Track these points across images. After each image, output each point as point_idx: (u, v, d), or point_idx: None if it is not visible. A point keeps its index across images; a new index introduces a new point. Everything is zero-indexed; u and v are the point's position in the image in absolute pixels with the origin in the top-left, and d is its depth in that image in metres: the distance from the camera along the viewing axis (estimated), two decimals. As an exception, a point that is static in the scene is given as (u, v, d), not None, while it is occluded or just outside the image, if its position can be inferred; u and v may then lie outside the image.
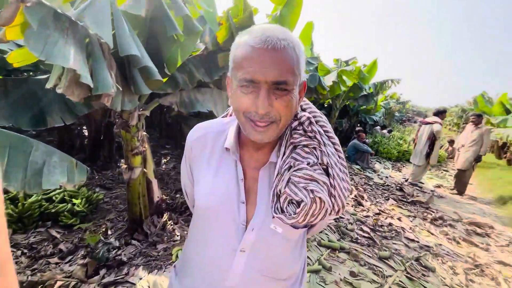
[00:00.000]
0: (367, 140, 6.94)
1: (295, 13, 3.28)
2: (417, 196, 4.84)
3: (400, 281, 2.32)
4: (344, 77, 5.28)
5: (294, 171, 0.60)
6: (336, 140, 0.67)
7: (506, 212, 4.61)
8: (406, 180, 5.77)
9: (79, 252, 2.37)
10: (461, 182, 5.34)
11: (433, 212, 4.16)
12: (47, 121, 1.50)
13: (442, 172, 7.38)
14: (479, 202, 5.15)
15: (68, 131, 4.90)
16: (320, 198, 0.59)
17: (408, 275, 2.41)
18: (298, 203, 0.60)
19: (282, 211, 0.62)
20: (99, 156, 4.72)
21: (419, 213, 4.02)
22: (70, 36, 1.02)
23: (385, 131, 10.98)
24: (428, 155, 5.25)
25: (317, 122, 0.67)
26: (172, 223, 2.90)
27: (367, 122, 10.11)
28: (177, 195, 3.81)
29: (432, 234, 3.40)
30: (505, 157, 10.20)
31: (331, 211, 0.62)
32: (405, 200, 4.53)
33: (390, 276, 2.37)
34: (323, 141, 0.64)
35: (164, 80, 1.86)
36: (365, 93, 6.77)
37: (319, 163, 0.62)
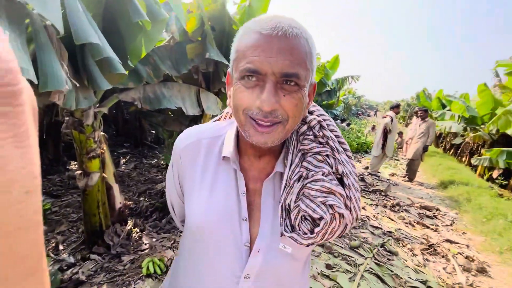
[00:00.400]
0: (330, 134, 7.27)
1: (264, 6, 3.19)
2: (377, 185, 5.25)
3: (370, 268, 2.46)
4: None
5: (309, 183, 0.53)
6: (347, 146, 0.61)
7: (447, 194, 5.28)
8: (366, 169, 6.23)
9: (23, 275, 2.01)
10: (411, 170, 5.95)
11: (391, 199, 4.55)
12: None
13: (394, 162, 8.15)
14: (425, 187, 5.81)
15: None
16: (341, 214, 0.52)
17: (376, 261, 2.58)
18: (313, 220, 0.53)
19: (293, 229, 0.54)
20: (42, 159, 4.07)
21: (380, 201, 4.36)
22: (4, 17, 0.76)
23: (344, 124, 11.72)
24: (383, 146, 5.73)
25: (327, 126, 0.59)
26: (138, 231, 2.64)
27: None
28: (141, 198, 3.50)
29: (392, 220, 3.72)
30: (441, 146, 11.74)
31: (350, 225, 0.55)
32: (367, 189, 4.88)
33: (361, 264, 2.50)
34: (336, 148, 0.56)
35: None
36: (328, 88, 7.06)
37: (333, 172, 0.55)
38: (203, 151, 0.60)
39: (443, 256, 2.91)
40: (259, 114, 0.46)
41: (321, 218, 0.51)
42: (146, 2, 1.63)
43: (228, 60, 0.65)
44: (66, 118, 1.89)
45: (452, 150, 10.61)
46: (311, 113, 0.61)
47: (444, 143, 11.36)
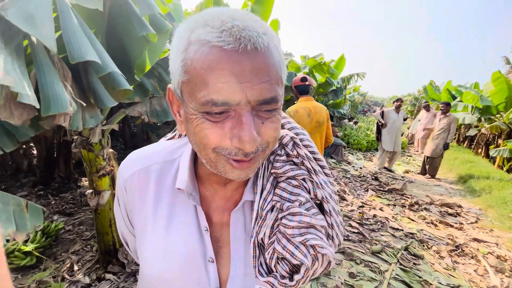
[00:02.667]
0: (338, 134, 7.15)
1: (267, 10, 3.14)
2: (392, 184, 5.08)
3: (396, 274, 2.33)
4: (316, 74, 5.30)
5: (284, 217, 0.44)
6: (324, 162, 0.52)
7: (468, 189, 5.05)
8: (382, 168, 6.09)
9: (39, 299, 1.97)
10: (432, 167, 5.73)
11: (408, 197, 4.38)
12: None
13: (407, 158, 7.92)
14: (443, 182, 5.59)
15: (11, 153, 4.19)
16: (324, 254, 0.43)
17: (401, 267, 2.44)
18: (292, 264, 0.44)
19: (269, 270, 0.45)
20: (53, 177, 4.10)
21: (397, 201, 4.20)
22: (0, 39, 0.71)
23: (351, 122, 11.53)
24: (377, 140, 5.74)
25: (301, 141, 0.50)
26: (152, 247, 2.58)
27: (335, 115, 10.51)
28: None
29: (412, 220, 3.55)
30: (454, 139, 11.38)
31: (333, 263, 0.47)
32: (382, 189, 4.71)
33: (386, 270, 2.37)
34: (313, 168, 0.48)
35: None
36: (334, 88, 6.95)
37: (311, 198, 0.47)
38: (153, 180, 0.50)
39: (472, 257, 2.74)
40: (239, 154, 0.36)
41: (301, 264, 0.43)
42: (149, 14, 1.60)
43: None
44: (75, 137, 1.86)
45: (466, 143, 10.27)
46: (282, 126, 0.52)
47: (457, 135, 11.02)
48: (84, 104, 1.06)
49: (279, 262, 0.44)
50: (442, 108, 5.45)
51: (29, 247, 2.31)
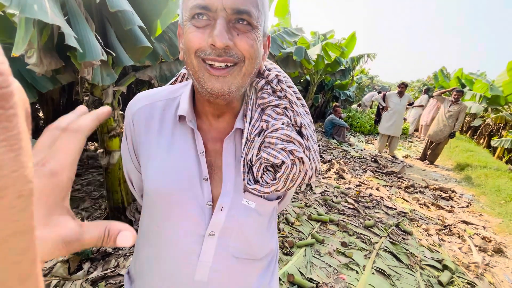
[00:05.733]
0: (342, 115, 7.13)
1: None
2: (391, 167, 5.18)
3: (385, 246, 2.49)
4: (328, 51, 5.15)
5: (269, 132, 0.52)
6: (304, 102, 0.61)
7: (463, 176, 5.17)
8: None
9: (54, 246, 2.14)
10: (434, 153, 5.78)
11: (405, 180, 4.50)
12: None
13: (408, 143, 7.97)
14: (441, 169, 5.69)
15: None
16: (301, 158, 0.52)
17: (391, 240, 2.60)
18: (275, 169, 0.54)
19: (256, 182, 0.54)
20: (61, 139, 4.19)
21: (394, 183, 4.32)
22: None
23: (354, 105, 11.40)
24: (375, 123, 5.82)
25: (285, 82, 0.58)
26: (157, 208, 2.73)
27: (340, 97, 10.36)
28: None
29: (406, 201, 3.69)
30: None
31: (310, 174, 0.55)
32: (380, 171, 4.82)
33: (376, 242, 2.53)
34: (294, 101, 0.56)
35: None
36: (342, 67, 6.80)
37: (292, 124, 0.55)
38: (157, 114, 0.57)
39: (459, 237, 2.90)
40: (212, 53, 0.44)
41: (282, 164, 0.52)
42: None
43: None
44: (86, 98, 1.90)
45: (469, 132, 10.24)
46: (268, 70, 0.58)
47: (461, 125, 10.96)
48: (113, 54, 1.09)
49: (265, 173, 0.53)
50: (455, 95, 5.29)
51: None
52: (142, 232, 0.63)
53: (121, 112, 2.14)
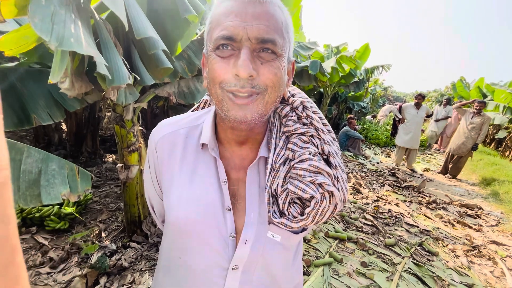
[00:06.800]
0: (357, 127, 7.00)
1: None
2: (410, 181, 4.97)
3: (408, 267, 2.35)
4: (342, 63, 5.13)
5: (296, 163, 0.50)
6: (330, 128, 0.58)
7: (490, 192, 4.86)
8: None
9: (72, 259, 2.17)
10: (456, 167, 5.53)
11: (426, 196, 4.29)
12: (32, 119, 1.24)
13: (427, 156, 7.67)
14: (464, 183, 5.40)
15: (44, 126, 4.47)
16: (331, 192, 0.49)
17: (415, 261, 2.45)
18: (303, 202, 0.50)
19: (282, 214, 0.51)
20: (81, 151, 4.36)
21: (414, 198, 4.13)
22: (76, 14, 0.78)
23: (369, 117, 11.20)
24: (392, 135, 5.66)
25: (310, 107, 0.56)
26: (172, 222, 2.74)
27: (354, 108, 10.23)
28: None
29: (429, 218, 3.50)
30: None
31: (340, 206, 0.53)
32: (399, 185, 4.64)
33: (399, 263, 2.39)
34: (321, 128, 0.55)
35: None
36: (356, 79, 6.74)
37: (319, 153, 0.53)
38: (180, 142, 0.57)
39: (489, 259, 2.69)
40: (237, 84, 0.44)
41: (311, 198, 0.49)
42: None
43: None
44: (108, 114, 1.97)
45: (493, 144, 9.74)
46: (292, 96, 0.57)
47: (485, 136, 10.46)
48: (139, 78, 1.14)
49: (291, 205, 0.51)
50: (477, 107, 5.09)
51: (70, 209, 2.53)
52: (162, 260, 0.62)
53: (140, 128, 2.20)
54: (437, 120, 7.23)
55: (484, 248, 2.85)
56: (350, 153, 6.43)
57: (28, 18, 0.64)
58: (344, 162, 5.66)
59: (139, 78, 1.17)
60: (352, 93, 8.73)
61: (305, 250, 2.39)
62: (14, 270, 0.15)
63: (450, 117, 7.20)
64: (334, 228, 2.85)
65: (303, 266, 2.16)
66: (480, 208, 4.00)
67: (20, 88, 1.23)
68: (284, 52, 0.46)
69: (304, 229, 0.57)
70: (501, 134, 8.68)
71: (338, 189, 0.51)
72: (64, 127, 5.18)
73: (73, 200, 1.09)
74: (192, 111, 0.66)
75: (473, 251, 2.79)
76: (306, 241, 2.52)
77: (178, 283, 0.57)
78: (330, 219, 3.03)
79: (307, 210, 0.49)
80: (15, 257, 0.15)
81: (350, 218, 3.12)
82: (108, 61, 0.87)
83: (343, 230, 2.85)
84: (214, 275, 0.54)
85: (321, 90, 7.37)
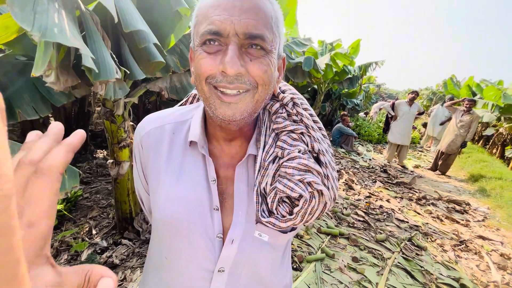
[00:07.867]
0: (350, 124, 7.06)
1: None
2: (401, 177, 5.06)
3: (398, 262, 2.39)
4: (337, 60, 5.13)
5: (286, 161, 0.49)
6: (321, 125, 0.57)
7: (478, 188, 4.99)
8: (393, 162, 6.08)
9: (62, 256, 2.14)
10: (445, 164, 5.65)
11: (416, 192, 4.38)
12: (17, 114, 1.19)
13: (418, 153, 7.80)
14: (453, 180, 5.53)
15: (32, 120, 4.34)
16: (320, 191, 0.48)
17: (404, 256, 2.50)
18: (291, 201, 0.49)
19: (270, 214, 0.50)
20: (72, 147, 4.26)
21: (405, 194, 4.21)
22: (60, 3, 0.74)
23: (362, 114, 11.31)
24: (384, 132, 5.76)
25: (300, 104, 0.55)
26: (164, 218, 2.71)
27: (348, 105, 10.30)
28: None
29: (419, 213, 3.58)
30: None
31: (329, 205, 0.52)
32: (390, 181, 4.71)
33: (389, 258, 2.44)
34: (311, 125, 0.53)
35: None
36: (350, 76, 6.77)
37: (309, 151, 0.51)
38: (167, 137, 0.55)
39: (476, 253, 2.77)
40: (223, 80, 0.42)
41: (300, 197, 0.48)
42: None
43: None
44: (98, 109, 1.92)
45: (481, 142, 9.99)
46: (283, 92, 0.56)
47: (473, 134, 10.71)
48: (128, 72, 1.11)
49: (280, 204, 0.49)
50: (467, 105, 5.20)
51: (59, 207, 2.48)
52: (150, 259, 0.61)
53: (131, 123, 2.15)
54: (442, 123, 7.08)
55: (471, 243, 2.93)
56: (343, 150, 6.48)
57: (7, 6, 0.61)
58: (337, 159, 5.71)
59: (128, 72, 1.14)
60: (346, 90, 8.78)
61: (298, 246, 2.41)
62: (18, 284, 0.15)
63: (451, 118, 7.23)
64: (327, 224, 2.88)
65: (296, 262, 2.18)
66: (468, 204, 4.11)
67: (4, 82, 1.17)
68: (273, 48, 0.44)
69: (293, 229, 0.56)
70: (489, 131, 8.90)
71: (328, 188, 0.50)
72: (52, 121, 5.05)
73: (60, 197, 1.06)
74: (180, 105, 0.64)
75: (460, 245, 2.86)
76: (299, 237, 2.54)
77: (165, 284, 0.56)
78: (323, 216, 3.06)
79: (295, 210, 0.48)
80: (19, 270, 0.15)
81: (342, 214, 3.16)
82: (94, 54, 0.83)
83: (335, 226, 2.88)
84: (199, 277, 0.52)
85: (315, 87, 7.38)
